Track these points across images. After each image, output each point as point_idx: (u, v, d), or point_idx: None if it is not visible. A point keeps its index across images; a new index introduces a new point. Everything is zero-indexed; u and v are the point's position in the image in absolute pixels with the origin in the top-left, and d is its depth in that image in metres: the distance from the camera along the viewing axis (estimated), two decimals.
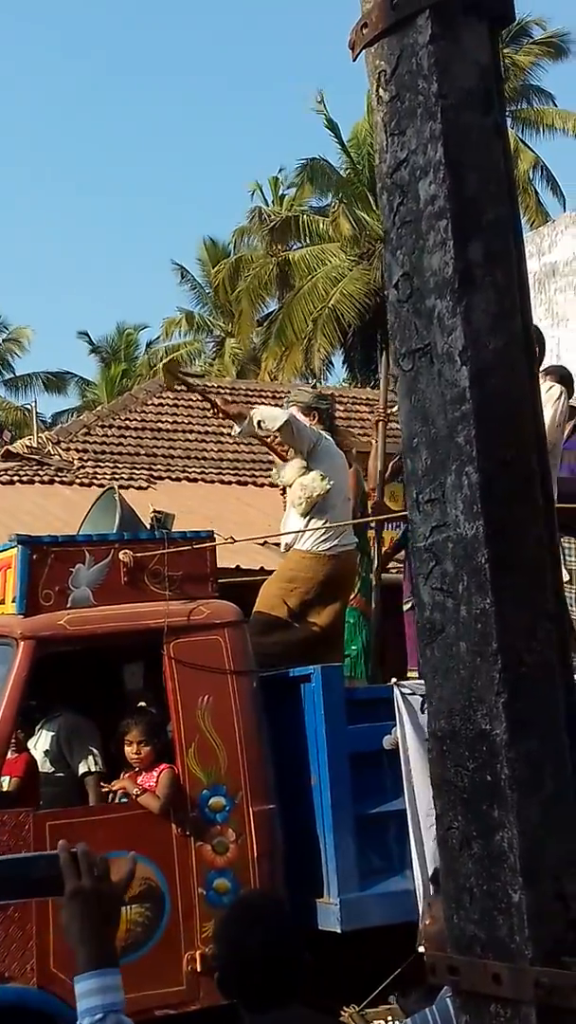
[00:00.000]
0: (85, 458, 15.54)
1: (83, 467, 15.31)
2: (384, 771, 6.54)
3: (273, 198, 33.30)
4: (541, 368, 8.08)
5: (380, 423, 8.35)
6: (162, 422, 16.60)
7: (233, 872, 6.31)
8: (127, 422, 16.67)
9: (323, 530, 7.27)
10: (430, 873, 6.35)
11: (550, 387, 7.63)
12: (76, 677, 7.16)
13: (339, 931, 6.28)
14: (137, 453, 15.85)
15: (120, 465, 15.53)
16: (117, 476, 15.15)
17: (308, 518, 7.33)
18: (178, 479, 14.95)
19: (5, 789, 6.66)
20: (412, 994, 5.99)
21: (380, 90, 2.00)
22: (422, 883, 6.33)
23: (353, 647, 8.05)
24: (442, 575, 1.86)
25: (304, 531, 7.20)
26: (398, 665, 8.29)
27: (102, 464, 15.57)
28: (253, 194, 33.23)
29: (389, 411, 8.36)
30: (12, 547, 6.39)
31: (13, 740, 6.61)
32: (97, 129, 73.02)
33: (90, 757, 6.79)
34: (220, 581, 6.95)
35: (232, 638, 6.55)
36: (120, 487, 14.63)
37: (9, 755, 6.86)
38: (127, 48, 75.80)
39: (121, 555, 6.48)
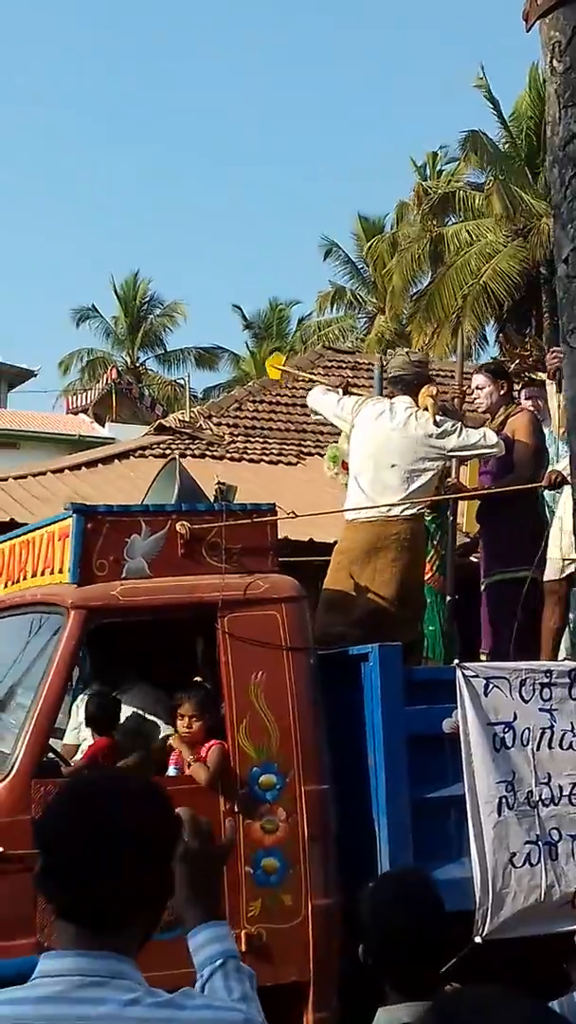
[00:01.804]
0: (236, 433, 15.75)
1: (234, 442, 15.49)
2: (444, 755, 6.33)
3: (431, 173, 32.93)
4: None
5: (456, 399, 8.14)
6: None
7: (282, 852, 6.18)
8: (278, 398, 16.77)
9: (360, 498, 7.13)
10: (491, 862, 6.17)
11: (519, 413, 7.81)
12: (141, 649, 7.14)
13: None
14: (287, 429, 15.95)
15: (270, 440, 15.68)
16: (267, 451, 15.31)
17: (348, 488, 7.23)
18: None
19: (76, 766, 6.62)
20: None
21: (555, 61, 2.03)
22: (479, 871, 6.15)
23: (431, 627, 7.85)
24: None
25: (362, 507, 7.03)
26: (465, 646, 8.09)
27: (252, 439, 15.73)
28: (414, 170, 32.97)
29: (464, 388, 8.16)
30: (68, 516, 6.36)
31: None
32: (255, 104, 73.54)
33: (163, 726, 6.77)
34: (290, 558, 6.84)
35: (290, 614, 6.40)
36: (270, 463, 15.05)
37: (70, 736, 6.94)
38: (286, 22, 75.93)
39: (178, 527, 6.39)
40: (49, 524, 6.71)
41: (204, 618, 6.38)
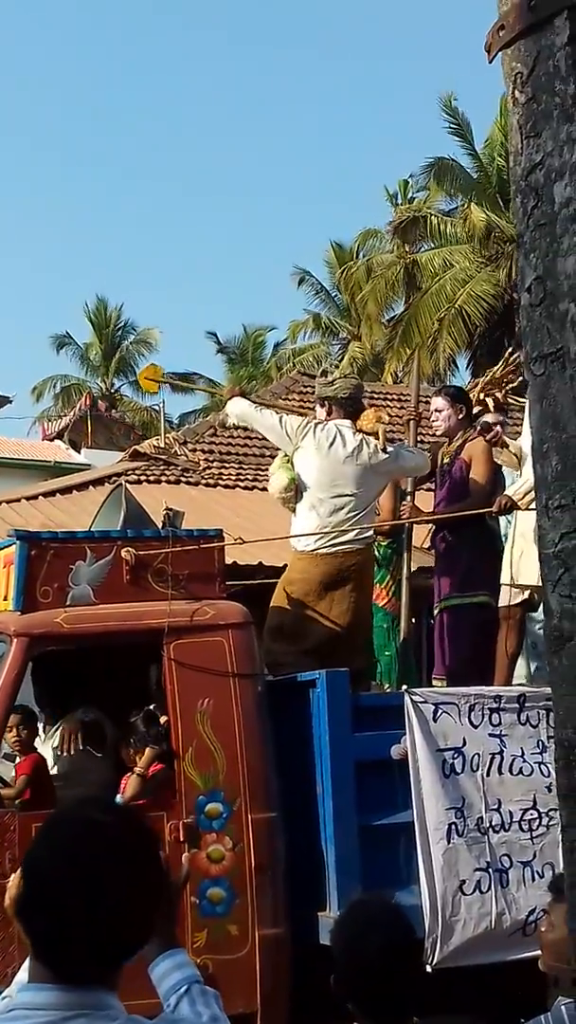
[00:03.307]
0: (211, 459, 15.73)
1: (209, 468, 15.47)
2: (393, 782, 6.28)
3: (403, 201, 33.10)
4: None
5: (411, 422, 8.12)
6: None
7: (228, 881, 6.12)
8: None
9: (311, 528, 7.05)
10: (441, 889, 6.11)
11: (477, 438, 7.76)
12: (96, 676, 7.09)
13: None
14: (262, 455, 15.85)
15: (245, 466, 15.66)
16: (242, 477, 15.29)
17: (296, 515, 7.16)
18: None
19: (14, 790, 6.60)
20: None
21: (516, 92, 2.02)
22: (429, 898, 6.10)
23: (387, 652, 7.83)
24: (571, 583, 1.89)
25: (311, 532, 6.97)
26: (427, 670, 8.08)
27: (227, 465, 15.71)
28: (387, 198, 33.15)
29: (420, 411, 8.16)
30: (12, 543, 6.31)
31: (17, 740, 6.57)
32: (228, 133, 73.99)
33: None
34: (238, 582, 6.80)
35: (237, 640, 6.35)
36: (245, 488, 15.04)
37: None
38: (258, 51, 76.52)
39: (124, 553, 6.35)
40: None
41: (151, 645, 6.33)
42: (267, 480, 14.88)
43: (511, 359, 8.73)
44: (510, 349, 9.54)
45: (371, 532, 7.32)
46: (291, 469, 7.28)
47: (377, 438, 7.40)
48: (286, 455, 7.30)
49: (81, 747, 6.82)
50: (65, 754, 6.92)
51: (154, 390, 8.85)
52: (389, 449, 7.37)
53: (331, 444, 7.20)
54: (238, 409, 7.63)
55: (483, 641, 7.51)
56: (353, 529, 7.05)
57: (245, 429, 7.61)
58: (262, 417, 7.56)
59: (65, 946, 2.14)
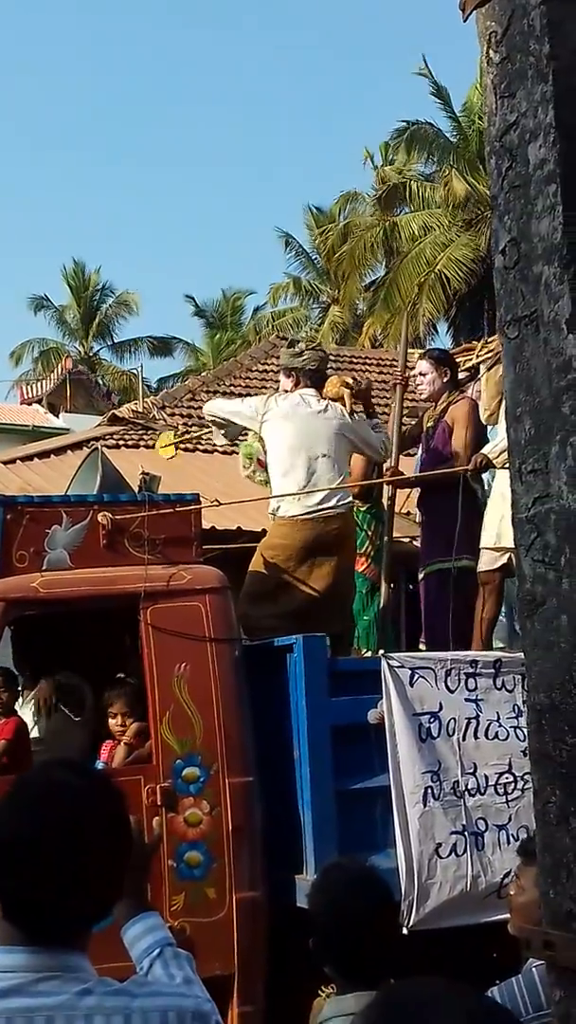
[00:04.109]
0: (190, 423, 15.59)
1: (187, 432, 15.35)
2: (370, 746, 6.29)
3: (383, 163, 32.96)
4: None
5: (398, 387, 8.09)
6: (267, 388, 16.47)
7: (206, 845, 6.13)
8: (232, 388, 16.71)
9: (293, 494, 7.01)
10: (417, 852, 6.14)
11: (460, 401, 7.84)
12: (74, 640, 7.08)
13: None
14: None
15: None
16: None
17: (271, 486, 7.13)
18: None
19: None
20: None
21: (491, 52, 1.99)
22: (405, 862, 6.12)
23: (365, 617, 7.83)
24: (544, 547, 1.87)
25: (282, 496, 6.94)
26: (414, 635, 8.08)
27: (206, 429, 15.56)
28: (364, 162, 33.00)
29: (406, 375, 8.12)
30: None
31: None
32: (205, 96, 73.46)
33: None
34: (216, 546, 6.78)
35: (213, 605, 6.34)
36: (224, 452, 14.99)
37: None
38: (237, 14, 75.78)
39: (100, 517, 6.33)
40: None
41: (127, 609, 6.32)
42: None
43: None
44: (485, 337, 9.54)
45: (350, 497, 7.29)
46: (250, 447, 7.27)
47: (343, 404, 7.38)
48: (251, 437, 7.30)
49: (56, 711, 6.82)
50: (42, 717, 6.92)
51: (171, 454, 8.87)
52: (355, 417, 7.36)
53: (296, 406, 7.17)
54: (208, 407, 7.71)
55: (467, 606, 7.51)
56: (333, 493, 7.03)
57: (212, 420, 7.57)
58: (227, 403, 7.64)
59: (34, 906, 2.15)
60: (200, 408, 16.14)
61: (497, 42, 1.97)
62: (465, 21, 2.10)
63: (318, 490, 6.98)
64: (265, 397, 7.40)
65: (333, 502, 7.07)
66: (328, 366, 7.76)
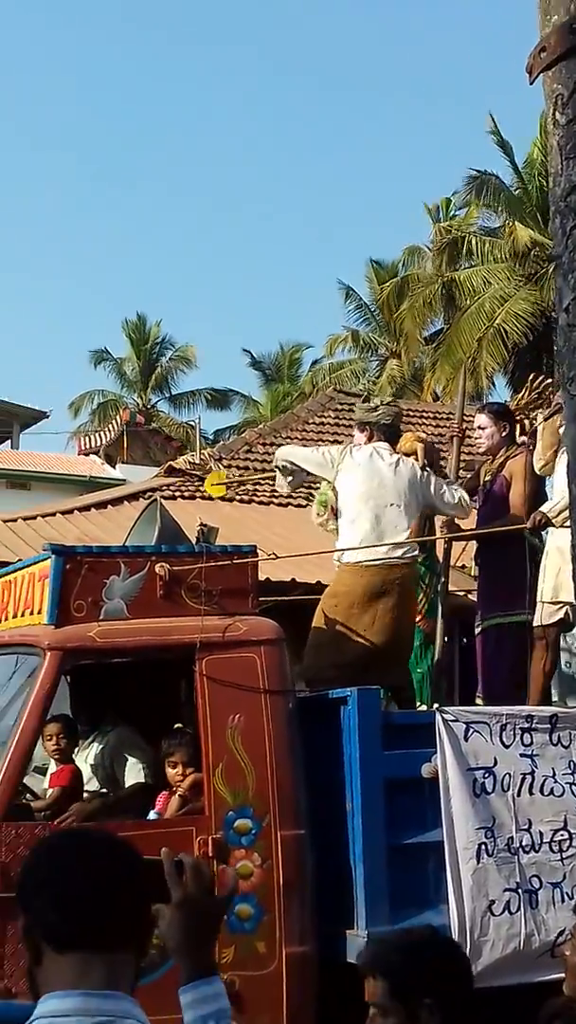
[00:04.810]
0: (246, 475, 15.64)
1: (244, 484, 15.44)
2: (423, 800, 6.27)
3: (444, 218, 33.15)
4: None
5: (455, 439, 8.12)
6: (323, 441, 16.60)
7: (256, 898, 6.10)
8: (288, 440, 16.75)
9: (361, 542, 7.04)
10: (470, 909, 6.08)
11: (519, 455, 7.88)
12: (131, 690, 7.12)
13: None
14: None
15: None
16: (276, 494, 15.25)
17: (340, 534, 7.16)
18: None
19: (48, 800, 6.66)
20: None
21: (557, 113, 2.06)
22: (457, 918, 6.07)
23: (419, 670, 7.82)
24: None
25: (345, 549, 6.98)
26: (470, 689, 8.04)
27: (262, 482, 15.65)
28: (427, 215, 33.24)
29: (465, 428, 8.16)
30: (48, 557, 6.35)
31: (56, 749, 6.63)
32: (270, 152, 74.26)
33: (138, 769, 6.75)
34: (271, 598, 6.80)
35: (269, 656, 6.35)
36: (279, 505, 15.07)
37: (53, 767, 6.90)
38: (300, 65, 76.74)
39: (157, 568, 6.37)
40: (30, 564, 6.71)
41: (184, 660, 6.35)
42: (301, 496, 15.01)
43: (535, 384, 8.73)
44: (532, 375, 9.48)
45: (416, 550, 7.32)
46: (324, 495, 7.32)
47: (416, 458, 7.43)
48: (324, 486, 7.36)
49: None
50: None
51: (221, 492, 8.90)
52: (425, 471, 7.39)
53: (370, 458, 7.26)
54: (282, 452, 7.78)
55: (524, 660, 7.49)
56: (400, 543, 7.07)
57: (286, 467, 7.58)
58: (302, 451, 7.75)
59: (96, 949, 2.15)
60: (257, 460, 16.33)
61: (564, 104, 2.02)
62: (532, 83, 2.14)
63: (378, 545, 7.01)
64: (341, 447, 7.48)
65: (399, 552, 7.11)
66: (401, 421, 7.81)
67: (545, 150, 28.08)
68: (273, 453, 16.00)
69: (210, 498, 14.75)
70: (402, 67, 74.75)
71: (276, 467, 7.72)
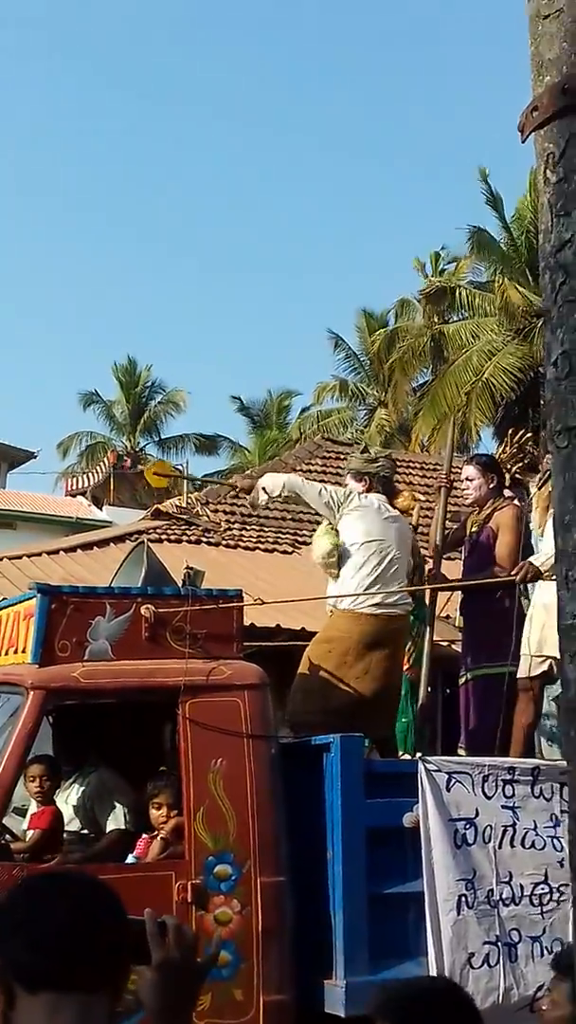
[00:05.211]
0: (232, 520, 15.71)
1: (230, 529, 15.47)
2: (404, 850, 6.25)
3: (433, 272, 33.43)
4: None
5: (443, 489, 8.16)
6: None
7: (235, 945, 6.05)
8: None
9: (362, 588, 7.08)
10: (449, 961, 6.05)
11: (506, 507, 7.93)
12: (114, 731, 7.09)
13: (343, 1015, 6.00)
14: (283, 518, 15.90)
15: (266, 529, 15.66)
16: (263, 539, 15.32)
17: (339, 578, 7.17)
18: None
19: (28, 842, 6.60)
20: None
21: (548, 172, 2.09)
22: (436, 970, 6.03)
23: (403, 719, 7.81)
24: None
25: (341, 595, 6.99)
26: (452, 739, 8.04)
27: (248, 527, 15.71)
28: (417, 269, 33.51)
29: (452, 479, 8.19)
30: (33, 596, 6.34)
31: (40, 792, 6.58)
32: (257, 200, 74.90)
33: (119, 813, 6.71)
34: (256, 643, 6.80)
35: (252, 701, 6.35)
36: (265, 551, 15.08)
37: (34, 807, 6.86)
38: (291, 116, 77.55)
39: (143, 610, 6.37)
40: (15, 603, 6.71)
41: (167, 703, 6.33)
42: (287, 543, 15.05)
43: (516, 439, 8.78)
44: (512, 429, 9.54)
45: (409, 599, 7.36)
46: (335, 535, 7.32)
47: (410, 517, 7.51)
48: (330, 523, 7.36)
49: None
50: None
51: (163, 484, 8.85)
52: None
53: (377, 508, 7.34)
54: (281, 480, 7.68)
55: (508, 712, 7.49)
56: (393, 591, 7.11)
57: (278, 503, 7.48)
58: (307, 485, 7.66)
59: (76, 991, 2.13)
60: (244, 505, 16.30)
61: (555, 163, 2.05)
62: (524, 142, 2.18)
63: (374, 592, 7.03)
64: (347, 490, 7.49)
65: (394, 599, 7.17)
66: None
67: (535, 207, 28.43)
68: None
69: (197, 542, 14.81)
70: (396, 123, 75.69)
71: (263, 487, 7.62)
